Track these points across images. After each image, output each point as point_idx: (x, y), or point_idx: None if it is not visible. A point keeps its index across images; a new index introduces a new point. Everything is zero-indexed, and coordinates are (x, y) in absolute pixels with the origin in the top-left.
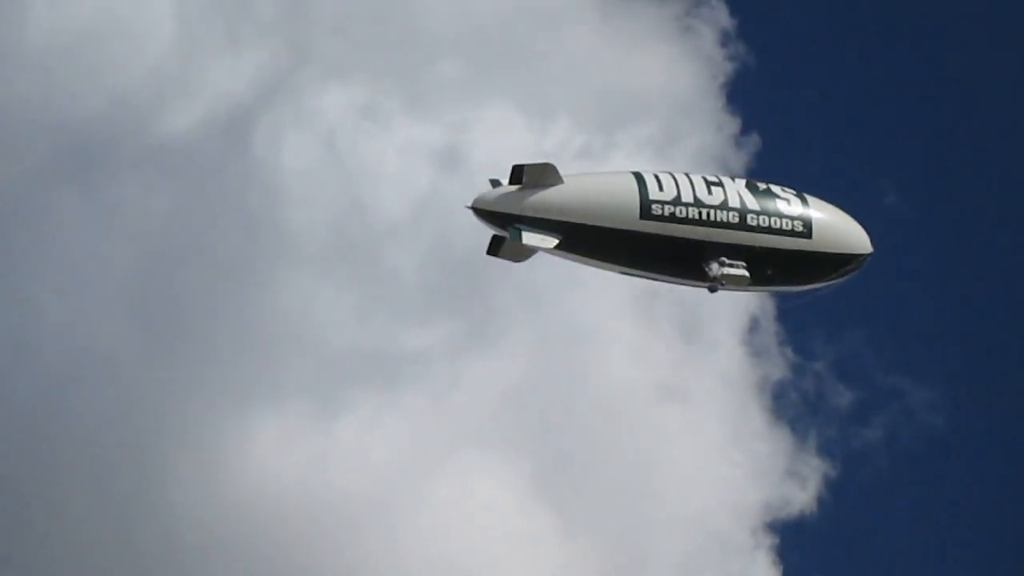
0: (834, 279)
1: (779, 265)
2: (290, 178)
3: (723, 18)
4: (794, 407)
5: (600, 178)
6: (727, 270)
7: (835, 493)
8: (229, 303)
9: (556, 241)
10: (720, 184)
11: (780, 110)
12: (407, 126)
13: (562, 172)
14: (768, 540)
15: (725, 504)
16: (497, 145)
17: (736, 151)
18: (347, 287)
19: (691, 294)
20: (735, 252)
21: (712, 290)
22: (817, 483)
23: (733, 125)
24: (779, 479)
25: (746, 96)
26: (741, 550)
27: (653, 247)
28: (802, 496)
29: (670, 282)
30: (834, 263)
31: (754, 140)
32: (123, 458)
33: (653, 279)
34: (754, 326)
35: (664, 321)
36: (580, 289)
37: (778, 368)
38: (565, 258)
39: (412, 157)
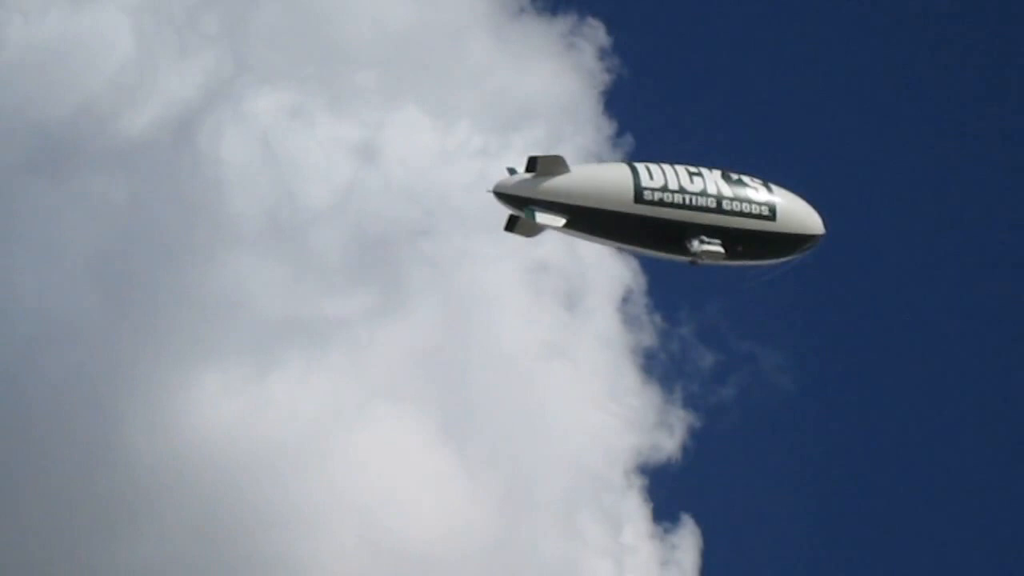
0: (794, 256)
1: (748, 243)
2: (230, 171)
3: (601, 36)
4: (662, 366)
5: (600, 168)
6: (705, 247)
7: (697, 441)
8: (178, 277)
9: (564, 221)
10: (700, 174)
11: (650, 115)
12: (330, 125)
13: (569, 163)
14: (639, 481)
15: (603, 449)
16: (407, 143)
17: (612, 150)
18: (279, 263)
19: (574, 269)
20: (712, 232)
21: (692, 264)
22: (682, 433)
23: (610, 128)
24: (649, 428)
25: (621, 103)
26: (616, 488)
27: (644, 227)
28: (669, 443)
29: (657, 257)
30: (794, 242)
31: (628, 140)
32: (85, 408)
33: (642, 254)
34: (627, 296)
35: (549, 291)
36: (478, 263)
37: (648, 333)
38: (570, 235)
39: (334, 152)
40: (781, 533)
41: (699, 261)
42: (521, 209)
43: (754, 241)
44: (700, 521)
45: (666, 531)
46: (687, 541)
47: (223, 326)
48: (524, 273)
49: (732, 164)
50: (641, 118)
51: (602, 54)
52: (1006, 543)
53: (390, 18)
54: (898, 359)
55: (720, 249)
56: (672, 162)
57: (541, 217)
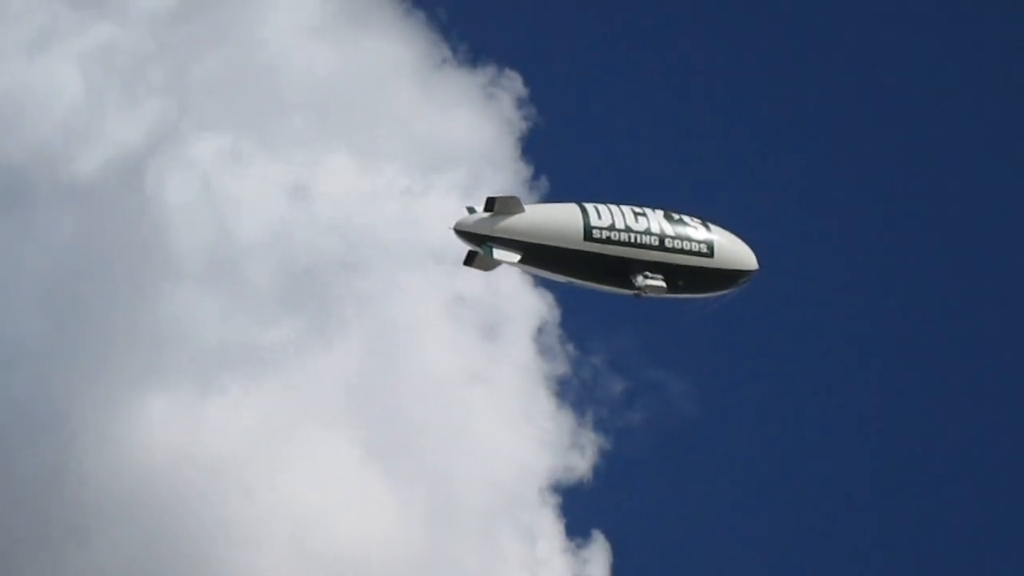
0: (731, 289)
1: (688, 278)
2: (172, 210)
3: (519, 87)
4: (575, 392)
5: (553, 208)
6: (649, 282)
7: (608, 462)
8: (125, 308)
9: (519, 257)
10: (644, 214)
11: (564, 160)
12: (265, 167)
13: (524, 203)
14: (553, 499)
15: (519, 468)
16: (336, 183)
17: (529, 193)
18: (217, 295)
19: (493, 302)
20: (655, 268)
21: (637, 297)
22: (593, 454)
23: (527, 171)
24: (563, 450)
25: (537, 148)
26: (531, 506)
27: (593, 263)
28: (581, 464)
29: (604, 291)
30: (730, 277)
31: (544, 183)
32: (39, 431)
33: (591, 287)
34: (543, 327)
35: (470, 322)
36: (403, 295)
37: (562, 362)
38: (525, 271)
39: (268, 191)
40: (685, 548)
41: (643, 294)
42: (479, 246)
43: (693, 276)
44: (610, 537)
45: (578, 546)
46: (598, 555)
47: (166, 354)
48: (446, 305)
49: (641, 202)
50: (555, 162)
51: (519, 103)
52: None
53: (322, 67)
54: (798, 387)
55: (662, 284)
56: (619, 203)
57: (498, 253)
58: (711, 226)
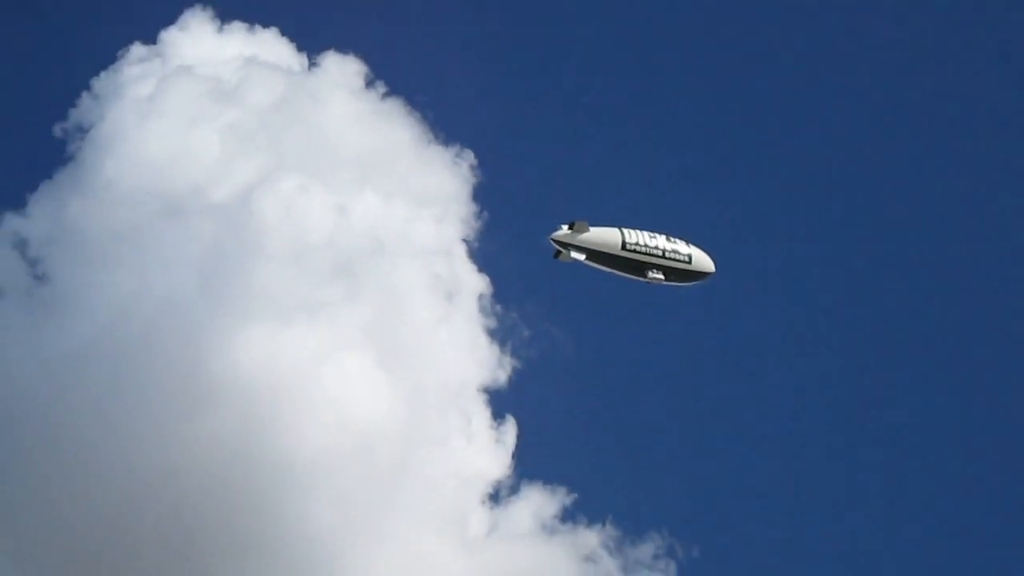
0: (699, 282)
1: (676, 275)
2: (272, 218)
3: (472, 158)
4: (500, 334)
5: (604, 230)
6: (653, 275)
7: (517, 377)
8: (247, 278)
9: (584, 256)
10: (655, 236)
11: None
12: (323, 196)
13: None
14: (483, 396)
15: (465, 376)
16: (367, 209)
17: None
18: (293, 270)
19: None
20: (659, 268)
21: (648, 283)
22: (509, 371)
23: (476, 208)
24: (492, 368)
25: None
26: (471, 398)
27: (625, 262)
28: (502, 376)
29: (626, 277)
30: (700, 276)
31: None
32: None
33: (620, 275)
34: (482, 296)
35: (441, 292)
36: (405, 276)
37: (492, 317)
38: (586, 264)
39: (326, 211)
40: (565, 429)
41: (650, 282)
42: (564, 248)
43: (680, 274)
44: (518, 421)
45: (498, 425)
46: (509, 431)
47: (267, 304)
48: (428, 282)
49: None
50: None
51: (471, 168)
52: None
53: (360, 140)
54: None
55: (662, 277)
56: (640, 228)
57: (574, 253)
58: (691, 245)
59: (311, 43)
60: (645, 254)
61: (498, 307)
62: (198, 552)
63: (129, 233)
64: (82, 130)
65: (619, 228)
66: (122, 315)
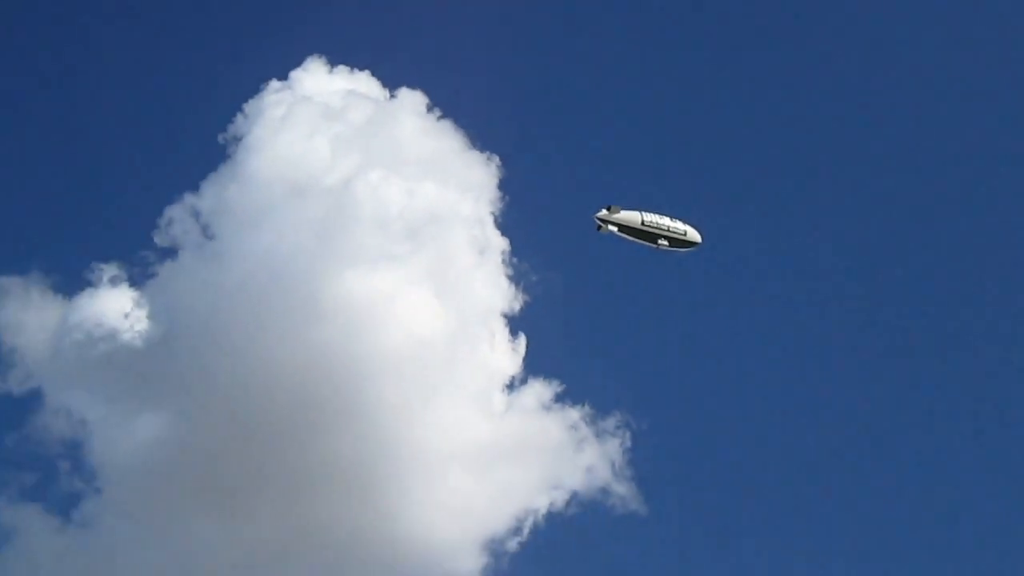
0: (690, 249)
1: (675, 244)
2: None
3: (498, 162)
4: (516, 278)
5: (630, 212)
6: (662, 243)
7: (527, 308)
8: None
9: (616, 228)
10: (663, 217)
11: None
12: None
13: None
14: (504, 320)
15: (491, 303)
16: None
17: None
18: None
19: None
20: (665, 237)
21: (657, 248)
22: (522, 301)
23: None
24: (510, 299)
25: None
26: (496, 319)
27: (644, 233)
28: (516, 305)
29: (642, 244)
30: (691, 244)
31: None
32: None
33: (638, 243)
34: (504, 252)
35: (478, 248)
36: (453, 244)
37: (510, 266)
38: (619, 235)
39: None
40: (560, 333)
41: (659, 248)
42: (604, 223)
43: (678, 243)
44: (528, 337)
45: (514, 338)
46: (521, 344)
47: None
48: (470, 243)
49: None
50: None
51: (498, 169)
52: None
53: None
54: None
55: (668, 244)
56: (653, 211)
57: (611, 227)
58: (685, 224)
59: (391, 81)
60: (656, 229)
61: (514, 259)
62: (309, 421)
63: (268, 207)
64: (237, 138)
65: (639, 211)
66: (264, 262)
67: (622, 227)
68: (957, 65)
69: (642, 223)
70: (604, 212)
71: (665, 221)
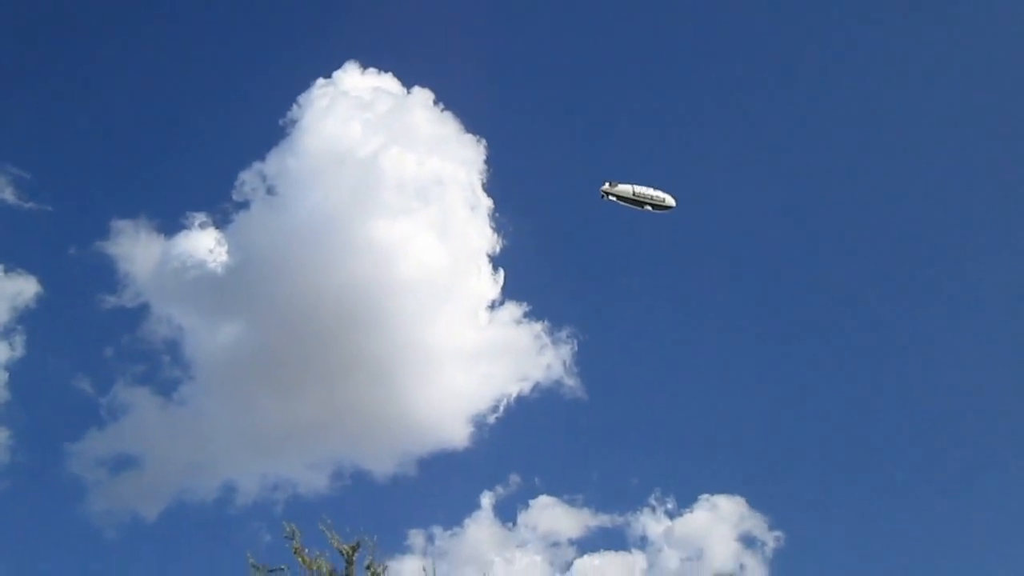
0: (667, 210)
1: (656, 207)
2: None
3: (485, 147)
4: (498, 227)
5: (625, 185)
6: (647, 206)
7: (503, 248)
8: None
9: (615, 198)
10: (648, 188)
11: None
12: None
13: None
14: (487, 259)
15: (477, 246)
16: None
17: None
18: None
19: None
20: (650, 204)
21: (643, 209)
22: (501, 245)
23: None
24: (494, 243)
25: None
26: (483, 257)
27: (636, 200)
28: (497, 247)
29: (633, 208)
30: (668, 208)
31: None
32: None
33: (630, 208)
34: (490, 209)
35: (470, 206)
36: (451, 203)
37: (494, 219)
38: (617, 202)
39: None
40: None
41: (644, 211)
42: (606, 194)
43: (658, 207)
44: (505, 271)
45: (495, 272)
46: (500, 276)
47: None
48: (465, 203)
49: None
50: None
51: (485, 156)
52: None
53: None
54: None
55: (651, 207)
56: (643, 184)
57: (611, 196)
58: (664, 192)
59: (408, 80)
60: (643, 197)
61: (496, 214)
62: (345, 327)
63: (316, 172)
64: (293, 122)
65: (631, 184)
66: (313, 213)
67: (619, 196)
68: (928, 63)
69: (633, 193)
70: (606, 185)
71: (649, 191)
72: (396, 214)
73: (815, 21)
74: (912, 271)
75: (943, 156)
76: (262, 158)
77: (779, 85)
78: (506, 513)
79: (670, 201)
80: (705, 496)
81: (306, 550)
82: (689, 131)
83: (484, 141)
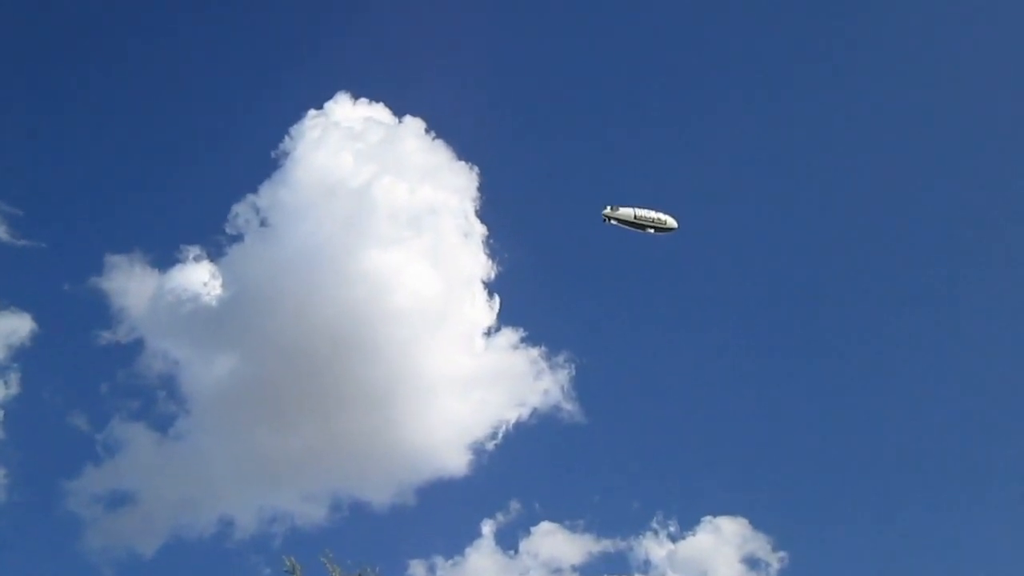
0: (669, 232)
1: (659, 230)
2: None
3: (478, 176)
4: (492, 251)
5: (626, 208)
6: (649, 229)
7: (503, 273)
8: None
9: (616, 221)
10: (650, 211)
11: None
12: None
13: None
14: (482, 285)
15: (472, 271)
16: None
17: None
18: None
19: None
20: (652, 226)
21: (645, 232)
22: (498, 271)
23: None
24: (489, 269)
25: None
26: (477, 283)
27: (637, 223)
28: (492, 274)
29: (636, 231)
30: (670, 230)
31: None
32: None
33: (631, 231)
34: (484, 236)
35: (462, 233)
36: (444, 233)
37: (488, 245)
38: (618, 225)
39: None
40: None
41: (646, 233)
42: (608, 218)
43: (660, 229)
44: (501, 298)
45: (490, 299)
46: (496, 303)
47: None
48: (457, 229)
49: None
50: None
51: (479, 186)
52: None
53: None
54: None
55: (653, 230)
56: (644, 207)
57: (613, 221)
58: (666, 214)
59: (399, 110)
60: (645, 219)
61: (491, 240)
62: (340, 357)
63: (308, 204)
64: (285, 153)
65: (632, 208)
66: (306, 244)
67: (620, 220)
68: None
69: (635, 217)
70: (608, 209)
71: (651, 214)
72: (389, 243)
73: (817, 45)
74: (918, 296)
75: (945, 176)
76: (255, 190)
77: (780, 106)
78: (508, 541)
79: (672, 223)
80: (708, 518)
81: None
82: (686, 152)
83: (477, 168)
